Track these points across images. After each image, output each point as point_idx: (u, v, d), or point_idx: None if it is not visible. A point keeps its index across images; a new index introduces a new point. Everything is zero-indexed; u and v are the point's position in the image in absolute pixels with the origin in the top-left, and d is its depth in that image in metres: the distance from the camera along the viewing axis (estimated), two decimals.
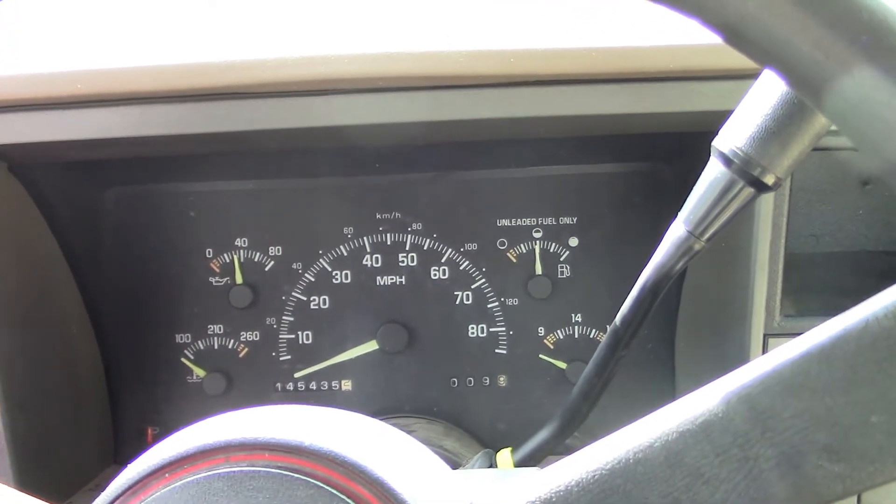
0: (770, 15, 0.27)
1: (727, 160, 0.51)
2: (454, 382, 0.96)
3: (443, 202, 0.95)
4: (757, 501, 0.30)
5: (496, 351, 0.96)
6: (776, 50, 0.28)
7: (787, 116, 0.48)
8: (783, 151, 0.49)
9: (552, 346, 0.95)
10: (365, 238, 0.95)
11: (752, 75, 0.51)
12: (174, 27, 0.83)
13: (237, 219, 0.95)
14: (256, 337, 0.96)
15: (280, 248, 0.95)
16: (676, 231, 0.56)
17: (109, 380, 0.94)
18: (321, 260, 0.95)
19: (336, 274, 0.95)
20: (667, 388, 0.94)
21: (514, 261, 0.95)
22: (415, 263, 0.95)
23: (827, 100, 0.29)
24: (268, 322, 0.96)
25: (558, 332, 0.95)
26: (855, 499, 0.76)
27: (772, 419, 0.29)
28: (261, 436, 0.36)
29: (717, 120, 0.53)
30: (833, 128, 0.47)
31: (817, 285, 0.82)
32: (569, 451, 0.39)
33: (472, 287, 0.95)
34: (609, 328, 0.64)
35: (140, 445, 0.96)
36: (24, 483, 0.77)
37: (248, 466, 0.35)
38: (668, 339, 0.94)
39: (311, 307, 0.95)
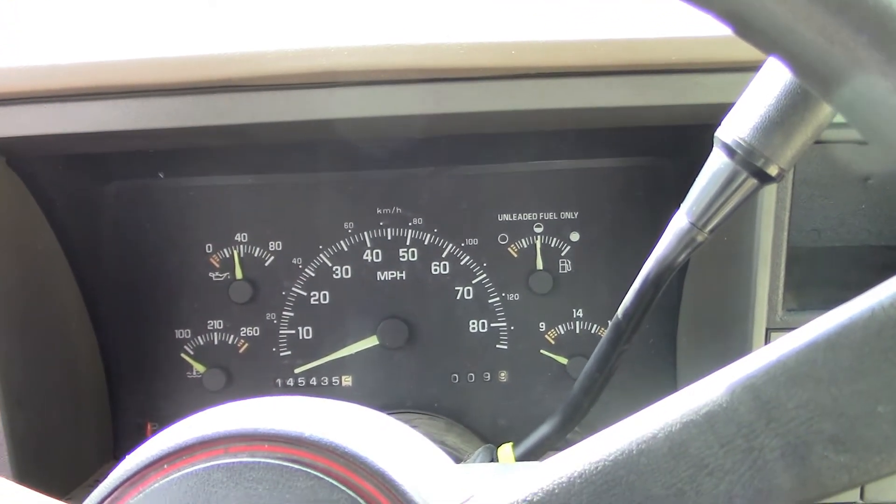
0: (777, 3, 0.27)
1: (730, 151, 0.50)
2: (455, 378, 0.96)
3: (443, 197, 0.94)
4: (761, 492, 0.29)
5: (497, 346, 0.95)
6: (783, 39, 0.28)
7: (790, 107, 0.47)
8: (786, 142, 0.48)
9: (553, 342, 0.95)
10: (365, 233, 0.95)
11: (753, 68, 0.51)
12: (174, 19, 0.83)
13: (237, 214, 0.95)
14: (256, 332, 0.95)
15: (280, 242, 0.95)
16: (679, 223, 0.56)
17: (109, 375, 0.94)
18: (321, 255, 0.95)
19: (336, 269, 0.95)
20: (668, 383, 0.94)
21: (515, 256, 0.95)
22: (415, 258, 0.95)
23: (834, 90, 0.29)
24: (268, 317, 0.95)
25: (559, 327, 0.95)
26: (858, 490, 0.75)
27: (777, 409, 0.29)
28: (260, 426, 0.35)
29: (718, 113, 0.53)
30: (836, 118, 0.47)
31: (819, 279, 0.82)
32: (570, 446, 0.38)
33: (473, 282, 0.95)
34: (610, 322, 0.63)
35: (139, 441, 0.95)
36: (24, 478, 0.77)
37: (247, 457, 0.35)
38: (669, 333, 0.93)
39: (312, 302, 0.95)
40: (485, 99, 0.70)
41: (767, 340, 0.75)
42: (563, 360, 0.95)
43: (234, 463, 0.35)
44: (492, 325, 0.95)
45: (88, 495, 0.37)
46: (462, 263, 0.95)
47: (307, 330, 0.96)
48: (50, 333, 0.84)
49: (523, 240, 0.94)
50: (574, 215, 0.94)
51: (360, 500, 0.34)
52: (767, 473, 0.29)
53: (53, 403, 0.84)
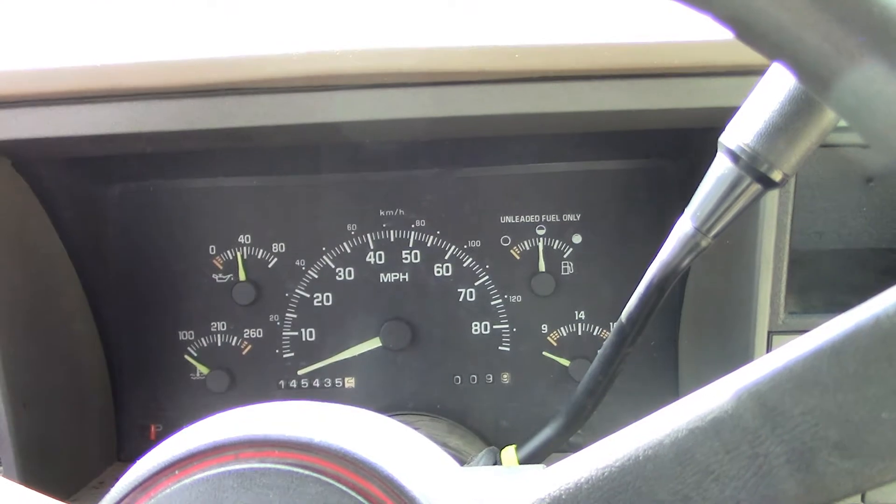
0: (780, 8, 0.27)
1: (734, 156, 0.51)
2: (457, 380, 0.96)
3: (446, 199, 0.95)
4: (767, 498, 0.29)
5: (499, 348, 0.96)
6: (786, 44, 0.28)
7: (794, 112, 0.48)
8: (790, 147, 0.48)
9: (555, 344, 0.95)
10: (368, 235, 0.95)
11: (757, 72, 0.51)
12: (178, 23, 0.83)
13: (240, 215, 0.95)
14: (259, 334, 0.96)
15: (283, 244, 0.95)
16: (683, 227, 0.56)
17: (113, 377, 0.94)
18: (324, 257, 0.95)
19: (339, 271, 0.95)
20: (670, 386, 0.94)
21: (518, 258, 0.95)
22: (418, 260, 0.95)
23: (836, 95, 0.29)
24: (271, 319, 0.96)
25: (561, 329, 0.95)
26: (859, 496, 0.76)
27: (782, 416, 0.29)
28: (271, 433, 0.36)
29: (721, 116, 0.53)
30: (840, 123, 0.47)
31: (821, 282, 0.82)
32: (573, 448, 0.39)
33: (476, 284, 0.95)
34: (614, 325, 0.64)
35: (143, 442, 0.96)
36: (29, 480, 0.77)
37: (258, 463, 0.35)
38: (671, 336, 0.94)
39: (315, 304, 0.95)
40: (488, 102, 0.70)
41: (769, 343, 0.75)
42: (566, 362, 0.95)
43: (244, 469, 0.35)
44: (494, 326, 0.96)
45: (96, 499, 0.37)
46: (465, 265, 0.95)
47: (310, 331, 0.96)
48: (54, 335, 0.84)
49: (526, 242, 0.95)
50: (576, 217, 0.94)
51: None
52: (773, 479, 0.29)
53: (58, 405, 0.84)
